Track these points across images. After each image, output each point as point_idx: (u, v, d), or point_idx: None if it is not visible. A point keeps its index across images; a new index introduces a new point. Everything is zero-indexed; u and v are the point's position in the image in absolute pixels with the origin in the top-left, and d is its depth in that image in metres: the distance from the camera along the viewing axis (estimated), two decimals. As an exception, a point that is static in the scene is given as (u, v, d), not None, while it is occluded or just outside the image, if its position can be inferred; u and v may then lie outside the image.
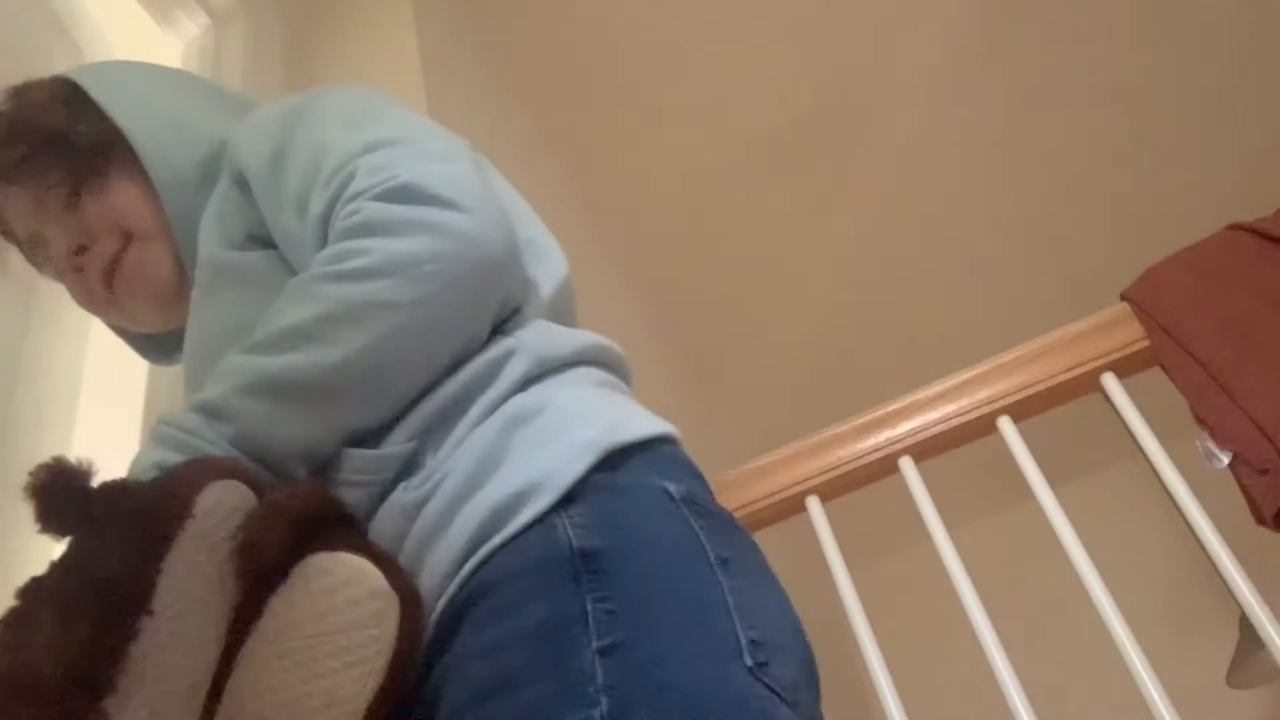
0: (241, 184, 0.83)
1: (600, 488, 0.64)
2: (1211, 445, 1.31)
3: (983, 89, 2.55)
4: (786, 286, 2.87)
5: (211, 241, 0.84)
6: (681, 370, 2.60)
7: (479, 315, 0.73)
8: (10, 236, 0.94)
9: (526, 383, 0.71)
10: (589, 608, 0.57)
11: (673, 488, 0.66)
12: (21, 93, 0.93)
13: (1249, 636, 1.85)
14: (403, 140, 0.76)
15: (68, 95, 0.91)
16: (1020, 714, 1.23)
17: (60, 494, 0.58)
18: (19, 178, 0.90)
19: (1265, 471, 1.25)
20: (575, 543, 0.61)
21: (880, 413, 1.50)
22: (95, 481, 0.59)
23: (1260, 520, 1.29)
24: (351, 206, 0.71)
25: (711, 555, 0.62)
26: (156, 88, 0.96)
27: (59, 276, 0.94)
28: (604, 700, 0.53)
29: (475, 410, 0.69)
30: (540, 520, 0.62)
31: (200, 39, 1.64)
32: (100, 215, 0.89)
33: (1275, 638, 1.16)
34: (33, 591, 0.57)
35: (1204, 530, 1.25)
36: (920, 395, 1.49)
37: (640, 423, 0.71)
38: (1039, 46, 2.49)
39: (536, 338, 0.74)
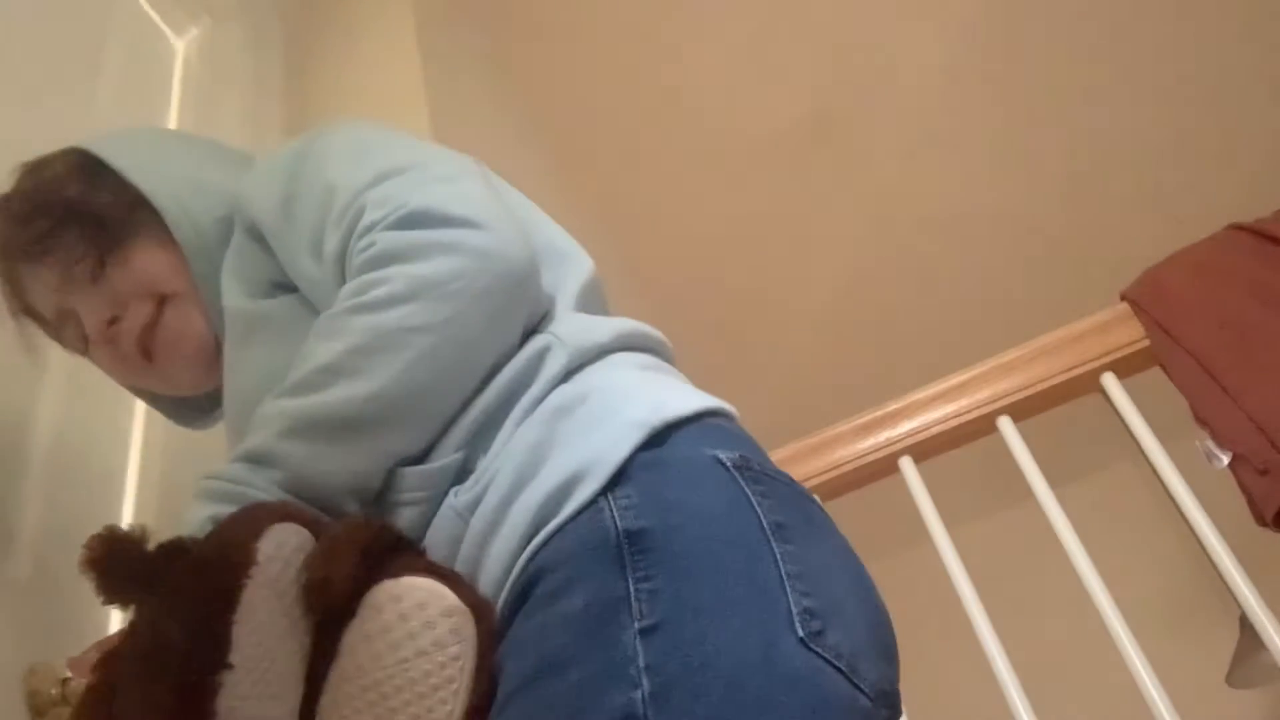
0: (256, 235, 0.84)
1: (648, 465, 0.65)
2: (1211, 445, 1.31)
3: (983, 90, 2.55)
4: (787, 287, 2.88)
5: (234, 294, 0.84)
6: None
7: (508, 327, 0.73)
8: (33, 315, 0.92)
9: (568, 374, 0.72)
10: (632, 588, 0.58)
11: (724, 455, 0.66)
12: (38, 168, 0.92)
13: (1249, 636, 1.85)
14: (407, 168, 0.76)
15: (84, 165, 0.90)
16: (1020, 713, 1.23)
17: (119, 563, 0.57)
18: (43, 255, 0.88)
19: (1265, 471, 1.25)
20: (621, 524, 0.61)
21: (880, 413, 1.50)
22: (151, 546, 0.58)
23: (1260, 520, 1.29)
24: (366, 240, 0.72)
25: (765, 521, 0.62)
26: (168, 150, 0.96)
27: (86, 351, 0.92)
28: (645, 680, 0.54)
29: (519, 408, 0.70)
30: (589, 505, 0.63)
31: (200, 39, 1.65)
32: (129, 282, 0.88)
33: (1275, 638, 1.16)
34: (108, 664, 0.56)
35: (1204, 530, 1.25)
36: (920, 395, 1.49)
37: (687, 398, 0.71)
38: (1039, 48, 2.49)
39: (572, 330, 0.75)
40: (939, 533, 1.38)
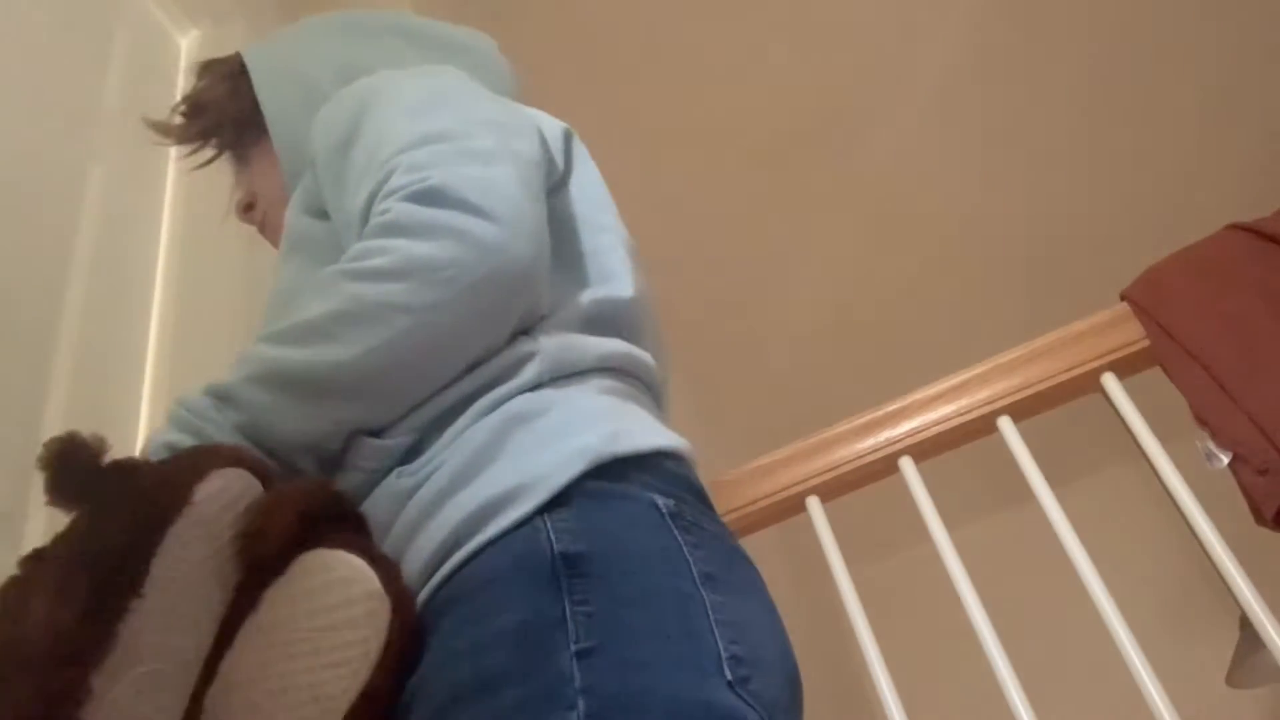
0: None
1: (590, 494, 0.64)
2: (1211, 445, 1.31)
3: (983, 89, 2.55)
4: (787, 287, 2.87)
5: (295, 208, 0.88)
6: (682, 370, 2.60)
7: (494, 325, 0.72)
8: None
9: (537, 385, 0.71)
10: (568, 610, 0.58)
11: (661, 501, 0.66)
12: (203, 70, 1.07)
13: (1249, 636, 1.85)
14: (450, 136, 0.75)
15: (233, 71, 1.03)
16: (1020, 714, 1.23)
17: (69, 469, 0.58)
18: (204, 146, 1.06)
19: (1265, 472, 1.25)
20: (557, 546, 0.61)
21: (880, 413, 1.50)
22: (106, 459, 0.59)
23: (1260, 520, 1.29)
24: (384, 205, 0.71)
25: (695, 570, 0.63)
26: (308, 51, 1.03)
27: None
28: (582, 702, 0.53)
29: (480, 405, 0.70)
30: (524, 523, 0.62)
31: (203, 38, 1.65)
32: (253, 182, 1.04)
33: (1275, 638, 1.16)
34: (34, 562, 0.57)
35: (1204, 530, 1.25)
36: (920, 395, 1.49)
37: (642, 435, 0.70)
38: (1038, 48, 2.50)
39: (558, 344, 0.74)
40: (939, 533, 1.38)
